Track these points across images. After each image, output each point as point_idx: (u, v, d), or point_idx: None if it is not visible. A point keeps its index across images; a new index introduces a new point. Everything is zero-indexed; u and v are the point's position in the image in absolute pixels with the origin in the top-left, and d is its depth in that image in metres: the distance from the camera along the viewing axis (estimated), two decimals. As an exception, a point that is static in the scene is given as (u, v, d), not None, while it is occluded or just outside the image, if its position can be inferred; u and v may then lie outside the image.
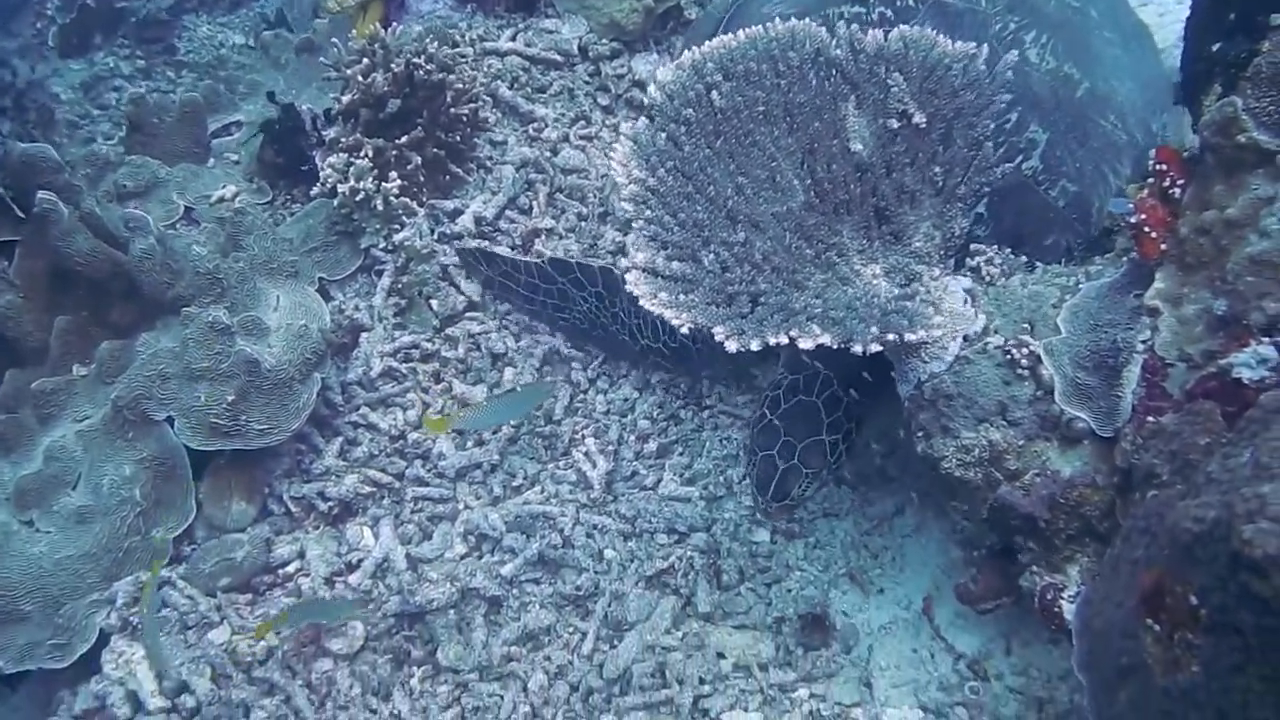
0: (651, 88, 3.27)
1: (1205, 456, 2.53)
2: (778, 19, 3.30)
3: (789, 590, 4.04)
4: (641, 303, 2.92)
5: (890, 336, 2.89)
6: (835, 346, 2.87)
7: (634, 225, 3.10)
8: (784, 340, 2.83)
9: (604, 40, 5.65)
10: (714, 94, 3.26)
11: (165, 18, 7.65)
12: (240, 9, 7.89)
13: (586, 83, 5.61)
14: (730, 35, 3.33)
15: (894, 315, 2.92)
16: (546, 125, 5.39)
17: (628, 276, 2.98)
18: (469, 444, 4.51)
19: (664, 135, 3.24)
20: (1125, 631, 2.41)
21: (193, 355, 4.12)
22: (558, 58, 5.64)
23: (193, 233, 4.95)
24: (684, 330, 2.91)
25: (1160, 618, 2.25)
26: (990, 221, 3.55)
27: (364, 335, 4.76)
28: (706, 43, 3.32)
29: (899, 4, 3.76)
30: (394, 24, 5.38)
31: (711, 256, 3.04)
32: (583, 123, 5.45)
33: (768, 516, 4.08)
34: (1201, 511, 2.15)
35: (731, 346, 2.84)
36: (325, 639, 3.97)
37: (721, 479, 4.38)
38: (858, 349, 2.85)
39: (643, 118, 3.29)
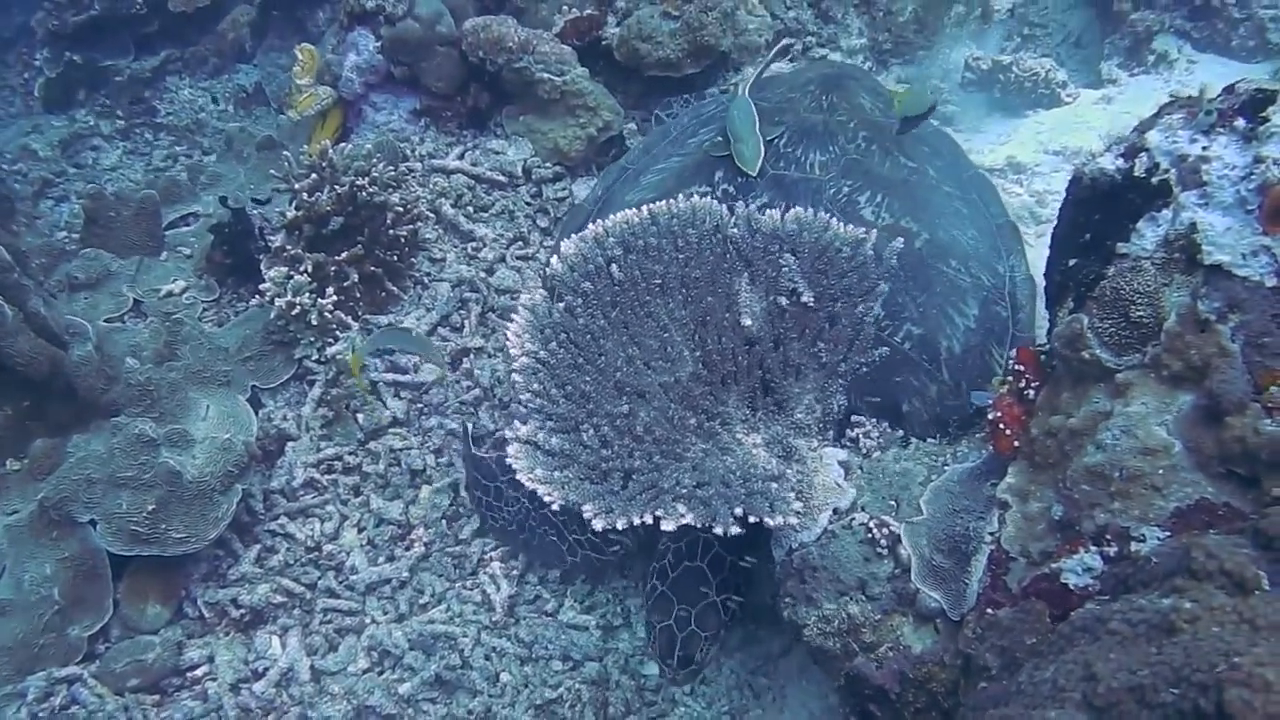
0: (554, 260, 3.47)
1: (1030, 657, 2.70)
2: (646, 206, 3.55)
3: (672, 726, 4.21)
4: (519, 476, 3.10)
5: (751, 519, 3.08)
6: (699, 527, 3.05)
7: (521, 398, 3.29)
8: (649, 520, 3.02)
9: (547, 164, 5.90)
10: (613, 267, 3.47)
11: (148, 77, 7.83)
12: (222, 75, 8.05)
13: (528, 204, 5.85)
14: (633, 211, 3.55)
15: (757, 497, 3.11)
16: (485, 245, 5.60)
17: (509, 450, 3.17)
18: (380, 559, 4.67)
19: (561, 306, 3.44)
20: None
21: (118, 464, 4.29)
22: (502, 178, 5.88)
23: (140, 328, 5.13)
24: (555, 506, 3.08)
25: (968, 815, 2.43)
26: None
27: (290, 445, 4.93)
28: (600, 221, 3.54)
29: (740, 181, 4.08)
30: (342, 143, 5.60)
31: (591, 431, 3.23)
32: (520, 243, 5.68)
33: (675, 684, 4.24)
34: (1001, 724, 2.33)
35: (598, 525, 3.02)
36: (228, 746, 4.12)
37: (619, 609, 4.55)
38: (719, 530, 3.03)
39: (539, 290, 3.49)
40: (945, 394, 3.82)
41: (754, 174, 4.04)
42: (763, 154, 4.08)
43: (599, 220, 3.56)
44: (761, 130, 4.14)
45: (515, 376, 3.33)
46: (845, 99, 4.49)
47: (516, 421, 3.25)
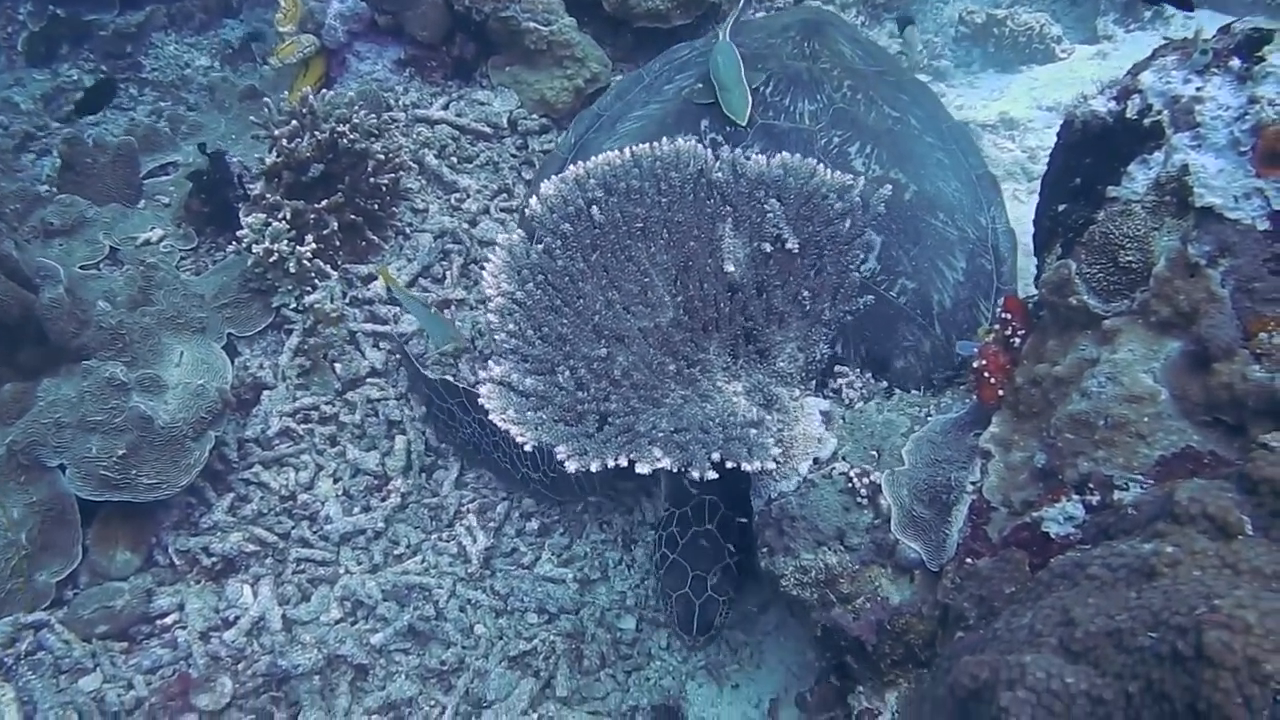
0: (533, 200, 3.40)
1: (1008, 606, 2.67)
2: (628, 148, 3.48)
3: (647, 679, 4.17)
4: (492, 417, 3.04)
5: (728, 464, 3.02)
6: (674, 470, 3.00)
7: (497, 338, 3.22)
8: (624, 463, 2.96)
9: (533, 116, 5.81)
10: (594, 209, 3.40)
11: (133, 32, 7.71)
12: (209, 30, 7.95)
13: (513, 156, 5.78)
14: (615, 152, 3.48)
15: (735, 443, 3.06)
16: (468, 196, 5.53)
17: (481, 390, 3.10)
18: (355, 510, 4.62)
19: (540, 247, 3.37)
20: (913, 770, 2.54)
21: (88, 408, 4.22)
22: (487, 129, 5.79)
23: (114, 275, 5.04)
24: (528, 448, 3.02)
25: (941, 763, 2.39)
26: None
27: (266, 393, 4.87)
28: (587, 160, 3.47)
29: (728, 130, 3.97)
30: (324, 90, 5.52)
31: (567, 373, 3.17)
32: (505, 195, 5.60)
33: (696, 649, 4.21)
34: (977, 670, 2.28)
35: (571, 466, 2.96)
36: (194, 694, 4.06)
37: (597, 562, 4.50)
38: (695, 474, 2.98)
39: (518, 230, 3.42)
40: (938, 350, 3.78)
41: (744, 124, 3.95)
42: (750, 103, 3.99)
43: (579, 162, 3.48)
44: (746, 77, 4.06)
45: (490, 317, 3.27)
46: (826, 46, 4.41)
47: (490, 362, 3.18)
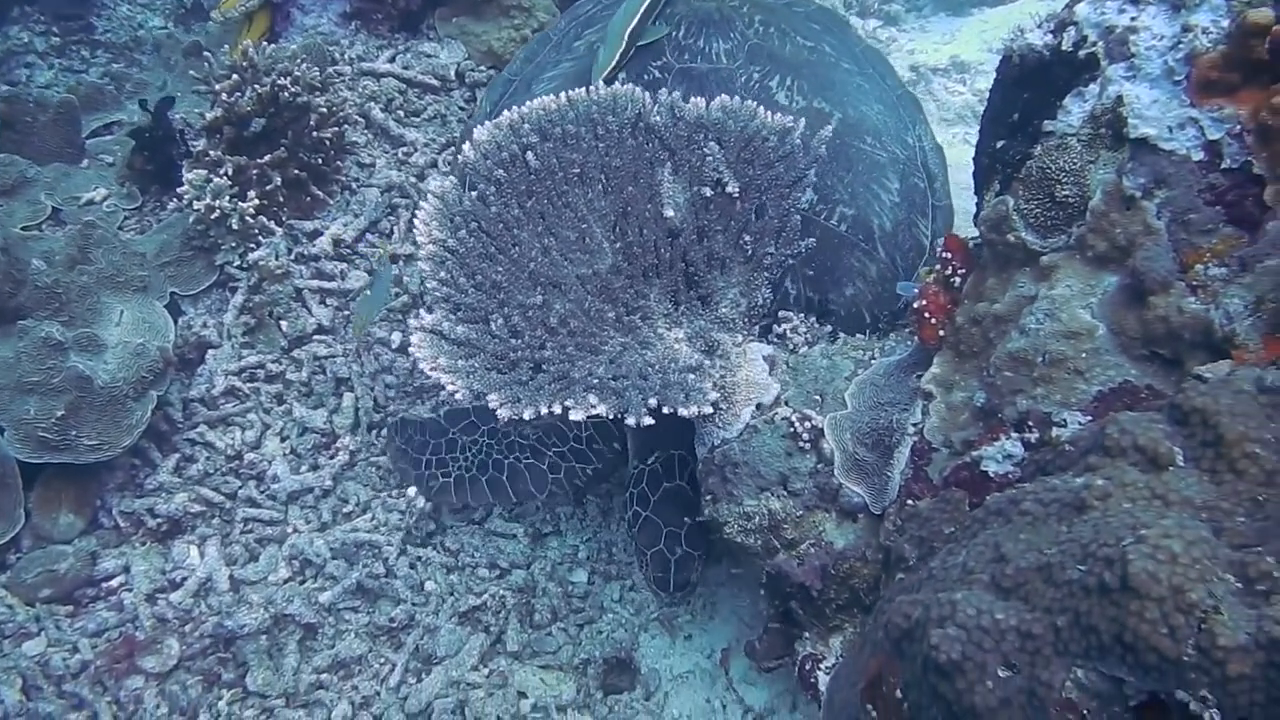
0: (465, 146, 3.34)
1: (945, 546, 2.64)
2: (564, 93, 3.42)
3: (600, 632, 4.14)
4: (421, 365, 2.98)
5: (665, 410, 2.98)
6: (610, 417, 2.96)
7: (428, 286, 3.17)
8: (557, 410, 2.91)
9: (481, 67, 5.73)
10: (529, 155, 3.34)
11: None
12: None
13: (461, 108, 5.69)
14: (550, 97, 3.42)
15: (673, 388, 3.01)
16: (416, 150, 5.45)
17: (412, 339, 3.05)
18: (303, 468, 4.56)
19: (474, 194, 3.31)
20: (851, 714, 2.52)
21: (25, 368, 4.14)
22: (434, 82, 5.71)
23: (55, 235, 4.95)
24: (458, 396, 2.97)
25: (877, 704, 2.37)
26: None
27: (210, 352, 4.79)
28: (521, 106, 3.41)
29: (647, 77, 3.91)
30: (266, 43, 5.42)
31: (500, 320, 3.12)
32: (453, 149, 5.51)
33: (673, 605, 4.16)
34: (909, 609, 2.26)
35: (504, 414, 2.91)
36: (139, 656, 4.01)
37: (548, 515, 4.46)
38: (631, 421, 2.93)
39: (451, 176, 3.36)
40: (885, 273, 3.79)
41: (595, 83, 3.83)
42: (614, 64, 3.92)
43: (514, 107, 3.42)
44: (652, 28, 3.98)
45: (421, 265, 3.21)
46: None
47: (422, 310, 3.13)
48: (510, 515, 4.46)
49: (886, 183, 3.86)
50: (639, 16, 3.95)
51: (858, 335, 3.58)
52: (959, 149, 4.18)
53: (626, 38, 3.91)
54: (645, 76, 3.92)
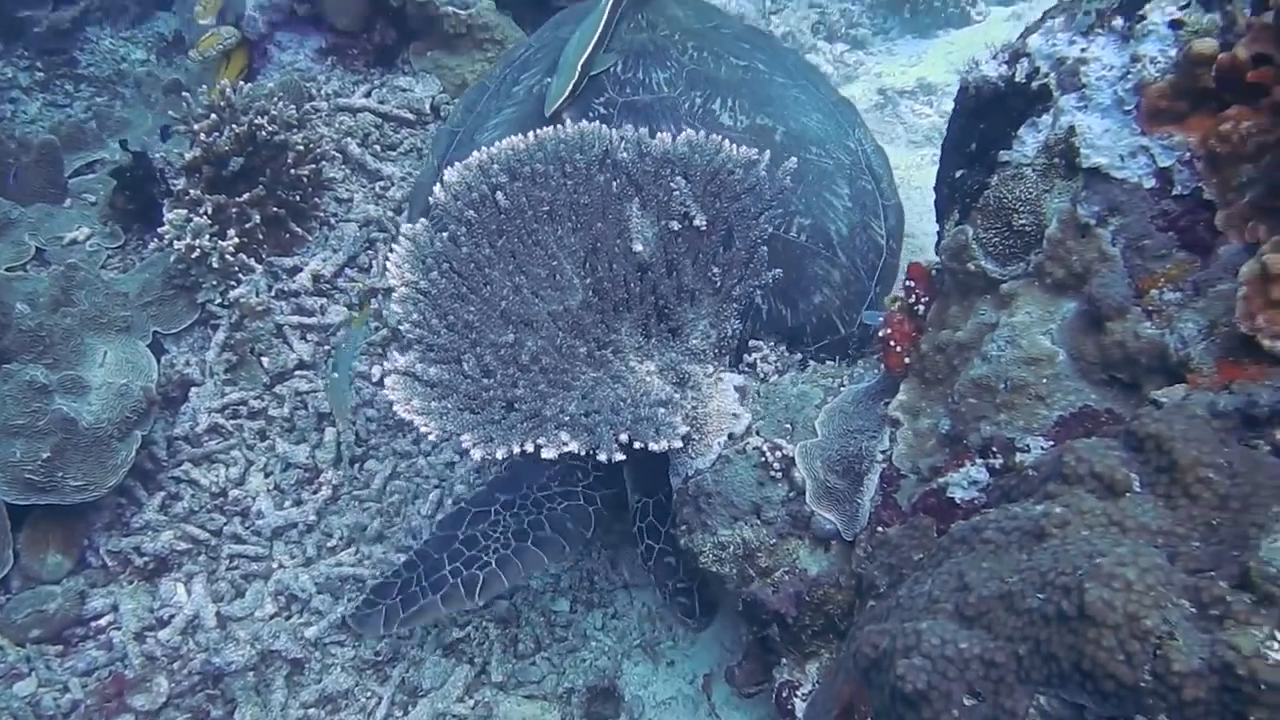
0: (436, 188, 3.38)
1: (914, 574, 2.68)
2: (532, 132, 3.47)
3: (583, 660, 4.17)
4: (396, 408, 3.02)
5: (636, 445, 3.02)
6: (583, 454, 3.00)
7: (401, 328, 3.21)
8: (529, 449, 2.95)
9: (456, 100, 5.77)
10: (499, 194, 3.38)
11: (68, 28, 7.61)
12: (143, 23, 7.86)
13: (438, 142, 5.73)
14: (519, 137, 3.46)
15: (643, 423, 3.06)
16: (393, 184, 5.50)
17: (386, 381, 3.09)
18: (287, 503, 4.60)
19: (445, 235, 3.35)
20: (826, 740, 2.56)
21: (10, 412, 4.18)
22: (410, 116, 5.76)
23: (40, 276, 4.98)
24: (431, 437, 3.01)
25: (850, 732, 2.40)
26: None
27: (194, 390, 4.83)
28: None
29: (592, 115, 3.91)
30: (243, 81, 5.47)
31: (473, 360, 3.15)
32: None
33: (700, 630, 4.10)
34: (877, 639, 2.30)
35: (476, 455, 2.95)
36: (129, 695, 4.04)
37: (532, 546, 4.48)
38: (602, 457, 2.97)
39: (421, 219, 3.40)
40: (848, 276, 3.85)
41: (548, 114, 3.88)
42: (567, 94, 3.94)
43: (483, 148, 3.46)
44: (602, 57, 4.05)
45: (394, 307, 3.25)
46: (660, 13, 4.38)
47: (395, 352, 3.17)
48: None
49: (837, 189, 3.92)
50: (591, 47, 4.00)
51: (828, 363, 3.62)
52: (927, 171, 4.22)
53: (580, 68, 3.95)
54: (590, 114, 3.91)
